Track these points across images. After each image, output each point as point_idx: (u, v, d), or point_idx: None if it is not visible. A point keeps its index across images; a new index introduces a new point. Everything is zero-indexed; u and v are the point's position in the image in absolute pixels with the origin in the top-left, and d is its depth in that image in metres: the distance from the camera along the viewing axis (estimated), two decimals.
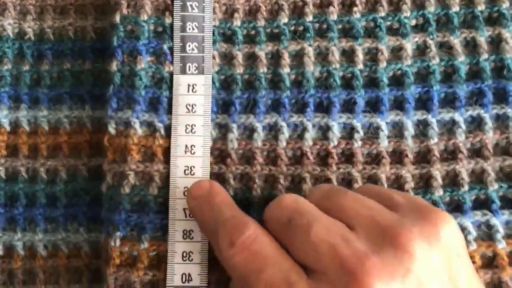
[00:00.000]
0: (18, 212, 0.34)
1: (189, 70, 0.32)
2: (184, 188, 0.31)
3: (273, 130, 0.32)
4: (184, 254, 0.31)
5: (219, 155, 0.32)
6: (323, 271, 0.24)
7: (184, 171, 0.31)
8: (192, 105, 0.32)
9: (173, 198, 0.31)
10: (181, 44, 0.32)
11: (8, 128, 0.35)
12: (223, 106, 0.32)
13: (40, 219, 0.34)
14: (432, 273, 0.23)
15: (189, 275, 0.31)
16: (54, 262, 0.33)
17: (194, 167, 0.31)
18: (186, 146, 0.32)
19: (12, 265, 0.33)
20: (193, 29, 0.32)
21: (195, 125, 0.32)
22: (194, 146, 0.32)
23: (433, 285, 0.23)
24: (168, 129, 0.32)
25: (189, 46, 0.32)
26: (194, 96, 0.32)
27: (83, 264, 0.33)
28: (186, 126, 0.32)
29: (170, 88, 0.32)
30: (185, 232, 0.31)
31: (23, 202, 0.34)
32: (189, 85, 0.32)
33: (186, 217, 0.31)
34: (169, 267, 0.30)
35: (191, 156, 0.31)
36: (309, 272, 0.24)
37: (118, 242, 0.31)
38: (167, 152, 0.32)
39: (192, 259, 0.31)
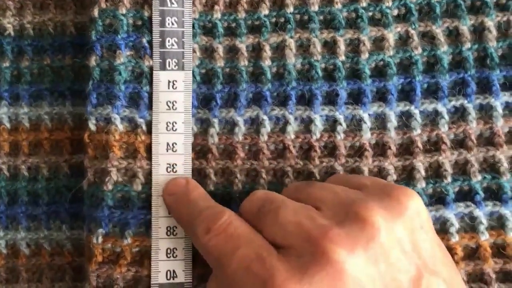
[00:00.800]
0: (0, 210, 0.33)
1: (169, 66, 0.32)
2: None
3: (254, 124, 0.32)
4: (168, 251, 0.30)
5: (200, 150, 0.32)
6: (291, 246, 0.25)
7: (166, 168, 0.31)
8: (172, 102, 0.31)
9: (156, 196, 0.31)
10: (160, 39, 0.32)
11: None
12: (204, 101, 0.32)
13: (22, 217, 0.33)
14: (395, 243, 0.24)
15: (174, 271, 0.30)
16: (37, 260, 0.33)
17: (176, 165, 0.31)
18: (168, 144, 0.31)
19: None
20: (172, 24, 0.32)
21: (176, 123, 0.31)
22: (176, 144, 0.31)
23: (396, 254, 0.24)
24: (149, 124, 0.31)
25: (168, 41, 0.32)
26: (174, 92, 0.32)
27: (66, 262, 0.33)
28: (167, 123, 0.31)
29: (151, 83, 0.32)
30: (168, 229, 0.31)
31: (5, 200, 0.34)
32: (169, 82, 0.32)
33: (169, 214, 0.31)
34: (153, 264, 0.30)
35: (172, 153, 0.31)
36: (279, 249, 0.25)
37: (100, 239, 0.30)
38: (149, 148, 0.31)
39: (176, 256, 0.30)
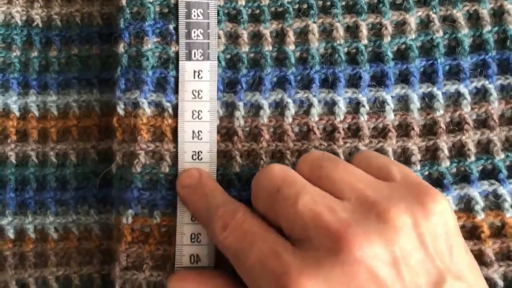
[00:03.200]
0: (28, 196, 0.34)
1: (195, 56, 0.33)
2: None
3: (279, 107, 0.32)
4: (193, 236, 0.31)
5: (226, 133, 0.32)
6: (307, 239, 0.24)
7: (192, 156, 0.32)
8: (198, 91, 0.32)
9: None
10: (186, 30, 0.33)
11: (17, 114, 0.35)
12: (229, 85, 0.33)
13: (50, 202, 0.34)
14: (417, 246, 0.24)
15: (197, 256, 0.31)
16: (65, 244, 0.34)
17: (201, 152, 0.32)
18: (193, 131, 0.32)
19: (23, 248, 0.34)
20: (198, 15, 0.33)
21: (201, 111, 0.32)
22: (201, 132, 0.32)
23: (417, 257, 0.24)
24: (176, 108, 0.32)
25: (194, 32, 0.33)
26: (200, 82, 0.32)
27: (94, 246, 0.34)
28: (192, 112, 0.32)
29: (177, 68, 0.32)
30: None
31: (34, 186, 0.34)
32: (194, 71, 0.32)
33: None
34: (177, 248, 0.31)
35: (198, 141, 0.32)
36: (295, 242, 0.25)
37: (130, 220, 0.31)
38: (176, 131, 0.32)
39: (200, 241, 0.31)
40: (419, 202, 0.25)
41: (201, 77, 0.32)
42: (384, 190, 0.26)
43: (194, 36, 0.33)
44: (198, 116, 0.32)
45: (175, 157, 0.32)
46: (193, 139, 0.32)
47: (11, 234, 0.34)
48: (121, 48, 0.33)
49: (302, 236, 0.25)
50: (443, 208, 0.25)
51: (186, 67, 0.32)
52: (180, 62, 0.32)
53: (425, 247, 0.24)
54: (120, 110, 0.32)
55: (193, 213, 0.31)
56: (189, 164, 0.32)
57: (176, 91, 0.32)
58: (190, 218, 0.31)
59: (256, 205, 0.28)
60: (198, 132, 0.32)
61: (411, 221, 0.24)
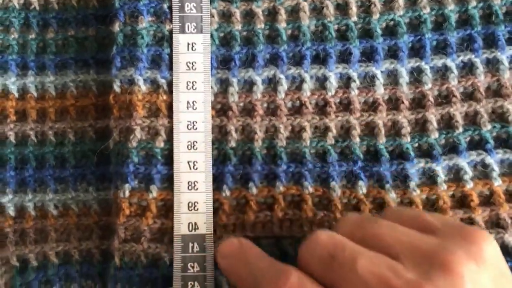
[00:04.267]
0: (28, 174, 0.35)
1: (188, 29, 0.33)
2: (188, 142, 0.32)
3: (272, 83, 0.33)
4: (190, 204, 0.32)
5: (221, 108, 0.33)
6: None
7: (187, 126, 0.33)
8: (192, 63, 0.33)
9: (177, 152, 0.32)
10: (179, 4, 0.34)
11: (16, 95, 0.36)
12: (223, 62, 0.34)
13: (50, 180, 0.35)
14: None
15: (195, 224, 0.32)
16: (64, 220, 0.34)
17: (196, 122, 0.33)
18: (188, 102, 0.33)
19: (24, 225, 0.34)
20: None
21: (195, 82, 0.33)
22: (196, 102, 0.33)
23: None
24: (171, 85, 0.33)
25: (187, 6, 0.34)
26: (193, 54, 0.33)
27: (93, 222, 0.34)
28: (187, 83, 0.33)
29: (171, 45, 0.33)
30: (189, 183, 0.32)
31: (33, 165, 0.35)
32: (188, 44, 0.33)
33: (190, 169, 0.32)
34: (175, 216, 0.32)
35: (193, 111, 0.33)
36: None
37: (127, 193, 0.32)
38: (171, 107, 0.33)
39: (197, 209, 0.32)
40: (472, 243, 0.24)
41: (195, 49, 0.33)
42: (434, 240, 0.25)
43: (188, 10, 0.34)
44: (192, 87, 0.33)
45: (170, 132, 0.32)
46: (188, 109, 0.33)
47: (11, 211, 0.34)
48: (116, 27, 0.33)
49: None
50: (494, 246, 0.25)
51: (180, 40, 0.33)
52: (174, 35, 0.33)
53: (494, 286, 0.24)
54: (116, 87, 0.33)
55: (237, 283, 0.29)
56: (184, 134, 0.32)
57: (170, 67, 0.33)
58: (187, 187, 0.32)
59: (307, 273, 0.26)
60: (192, 103, 0.33)
61: (473, 265, 0.23)
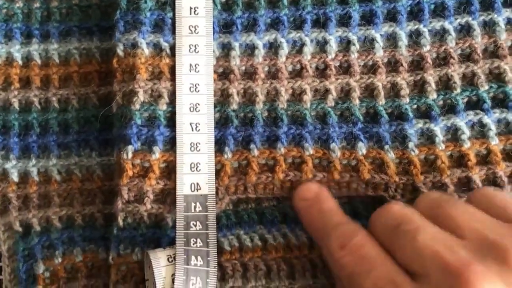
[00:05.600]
0: (32, 140, 0.35)
1: None
2: (190, 104, 0.33)
3: (273, 47, 0.34)
4: (192, 165, 0.32)
5: (223, 72, 0.34)
6: (426, 275, 0.25)
7: (189, 88, 0.33)
8: (194, 27, 0.34)
9: (180, 114, 0.33)
10: None
11: (20, 62, 0.36)
12: (225, 26, 0.34)
13: (53, 145, 0.35)
14: None
15: (198, 184, 0.32)
16: (68, 185, 0.35)
17: (198, 85, 0.33)
18: (190, 65, 0.33)
19: (27, 190, 0.35)
20: None
21: (198, 45, 0.33)
22: (198, 65, 0.33)
23: None
24: (173, 48, 0.33)
25: None
26: (196, 18, 0.34)
27: (96, 187, 0.35)
28: (189, 46, 0.33)
29: (174, 9, 0.34)
30: (192, 144, 0.32)
31: (37, 131, 0.35)
32: (191, 8, 0.34)
33: (192, 130, 0.33)
34: (178, 177, 0.32)
35: (195, 73, 0.33)
36: (413, 276, 0.25)
37: (130, 155, 0.32)
38: (173, 70, 0.33)
39: (200, 170, 0.32)
40: None
41: (197, 13, 0.34)
42: (504, 231, 0.25)
43: None
44: (195, 50, 0.33)
45: (172, 94, 0.33)
46: (190, 71, 0.33)
47: (15, 177, 0.35)
48: None
49: (421, 272, 0.25)
50: None
51: (183, 4, 0.34)
52: None
53: None
54: (120, 51, 0.33)
55: (308, 226, 0.31)
56: (186, 96, 0.33)
57: (173, 31, 0.33)
58: (189, 148, 0.32)
59: (374, 236, 0.28)
60: (195, 65, 0.33)
61: None
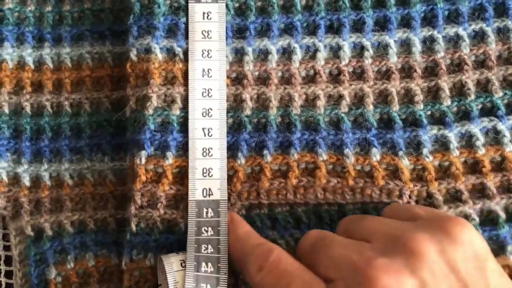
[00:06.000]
0: (44, 144, 0.35)
1: None
2: (203, 109, 0.33)
3: (286, 52, 0.34)
4: (204, 170, 0.32)
5: (236, 77, 0.34)
6: (340, 278, 0.26)
7: (202, 93, 0.33)
8: (207, 32, 0.33)
9: (192, 119, 0.33)
10: None
11: (32, 66, 0.36)
12: (238, 31, 0.34)
13: (65, 150, 0.35)
14: (446, 274, 0.25)
15: (210, 189, 0.32)
16: (80, 190, 0.35)
17: (211, 90, 0.33)
18: (203, 70, 0.33)
19: (39, 194, 0.34)
20: None
21: (211, 50, 0.33)
22: (211, 70, 0.33)
23: (448, 285, 0.24)
24: (186, 53, 0.33)
25: None
26: (209, 23, 0.34)
27: (108, 191, 0.35)
28: (202, 51, 0.33)
29: (187, 15, 0.34)
30: (204, 150, 0.32)
31: (49, 135, 0.35)
32: (204, 13, 0.34)
33: (205, 136, 0.32)
34: (190, 182, 0.32)
35: (208, 79, 0.33)
36: (330, 283, 0.26)
37: (143, 160, 0.32)
38: (187, 74, 0.33)
39: (212, 175, 0.32)
40: (444, 231, 0.26)
41: (210, 18, 0.34)
42: (408, 226, 0.27)
43: None
44: (208, 55, 0.33)
45: (185, 99, 0.33)
46: (203, 76, 0.33)
47: (27, 181, 0.35)
48: None
49: (335, 277, 0.26)
50: (470, 234, 0.26)
51: (196, 9, 0.34)
52: (189, 4, 0.34)
53: (456, 272, 0.25)
54: (133, 56, 0.33)
55: (230, 256, 0.32)
56: (199, 101, 0.33)
57: (186, 36, 0.33)
58: (202, 153, 0.32)
59: (300, 260, 0.29)
60: (208, 70, 0.33)
61: (437, 248, 0.25)
